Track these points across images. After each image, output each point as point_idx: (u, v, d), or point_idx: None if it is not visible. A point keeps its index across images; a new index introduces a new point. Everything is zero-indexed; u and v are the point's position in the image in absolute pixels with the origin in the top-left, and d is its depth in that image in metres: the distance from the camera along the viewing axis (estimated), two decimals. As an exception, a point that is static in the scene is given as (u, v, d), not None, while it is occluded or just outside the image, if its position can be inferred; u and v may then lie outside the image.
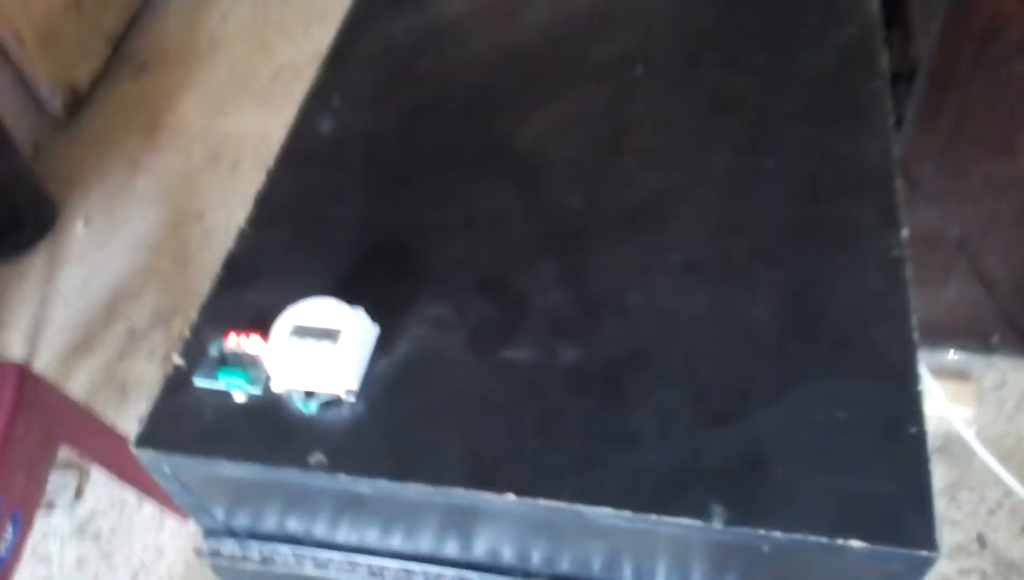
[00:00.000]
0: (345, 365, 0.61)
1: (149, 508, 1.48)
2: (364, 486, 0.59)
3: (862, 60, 0.78)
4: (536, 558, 0.64)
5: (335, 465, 0.59)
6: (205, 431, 0.62)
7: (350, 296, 0.64)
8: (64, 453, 1.27)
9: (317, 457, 0.59)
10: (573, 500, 0.56)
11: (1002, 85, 1.10)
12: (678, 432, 0.58)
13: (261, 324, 0.65)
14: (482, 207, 0.73)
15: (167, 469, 0.63)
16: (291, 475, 0.60)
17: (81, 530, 1.49)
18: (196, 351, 0.66)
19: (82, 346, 1.74)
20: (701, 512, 0.54)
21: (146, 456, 0.62)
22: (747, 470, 0.56)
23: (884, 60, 0.78)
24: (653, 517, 0.55)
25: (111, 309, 1.80)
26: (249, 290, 0.70)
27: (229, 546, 0.69)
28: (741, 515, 0.54)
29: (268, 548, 0.69)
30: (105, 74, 2.26)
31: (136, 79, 2.27)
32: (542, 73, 0.83)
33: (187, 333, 0.68)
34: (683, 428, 0.58)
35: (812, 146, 0.73)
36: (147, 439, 0.62)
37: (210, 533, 0.70)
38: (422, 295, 0.67)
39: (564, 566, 0.63)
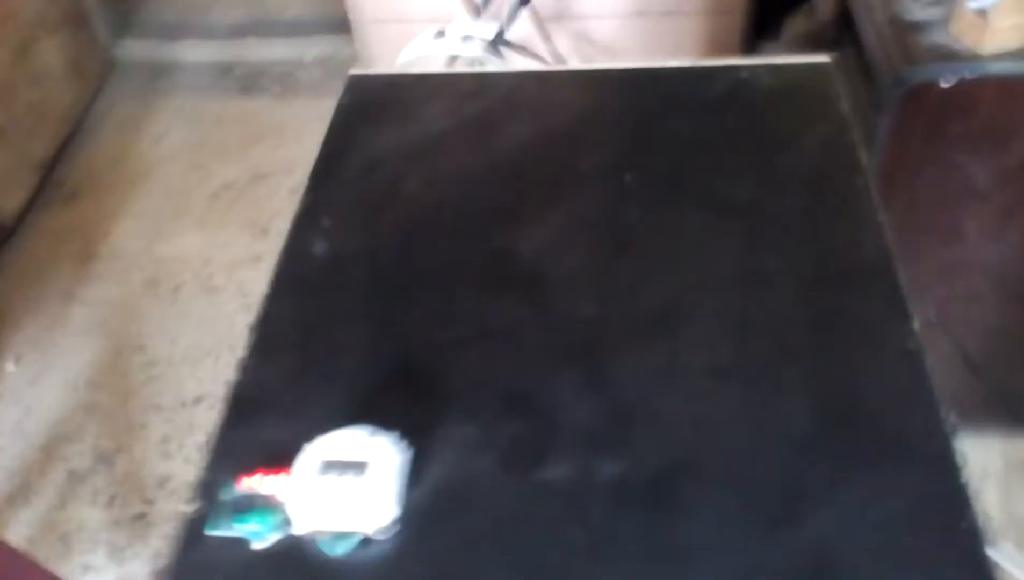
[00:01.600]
0: (375, 501, 0.58)
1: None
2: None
3: (843, 158, 0.81)
4: None
5: (379, 611, 0.55)
6: (227, 583, 0.57)
7: (369, 423, 0.61)
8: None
9: (358, 605, 0.55)
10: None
11: (947, 176, 1.16)
12: (736, 542, 0.56)
13: (276, 461, 0.61)
14: (493, 320, 0.71)
15: (184, 631, 0.57)
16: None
17: None
18: (208, 496, 0.61)
19: (18, 494, 1.62)
20: (775, 625, 0.52)
21: (162, 618, 0.56)
22: (814, 574, 0.54)
23: (864, 157, 0.81)
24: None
25: (48, 452, 1.68)
26: (259, 424, 0.66)
27: None
28: (817, 626, 0.52)
29: None
30: (34, 203, 2.18)
31: (67, 207, 2.20)
32: (532, 185, 0.84)
33: (198, 477, 0.63)
34: (740, 537, 0.56)
35: (810, 243, 0.75)
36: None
37: None
38: (445, 416, 0.65)
39: None
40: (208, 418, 1.71)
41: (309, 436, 0.62)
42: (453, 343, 0.70)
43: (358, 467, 0.59)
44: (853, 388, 0.64)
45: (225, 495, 0.61)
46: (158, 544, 1.52)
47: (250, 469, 0.61)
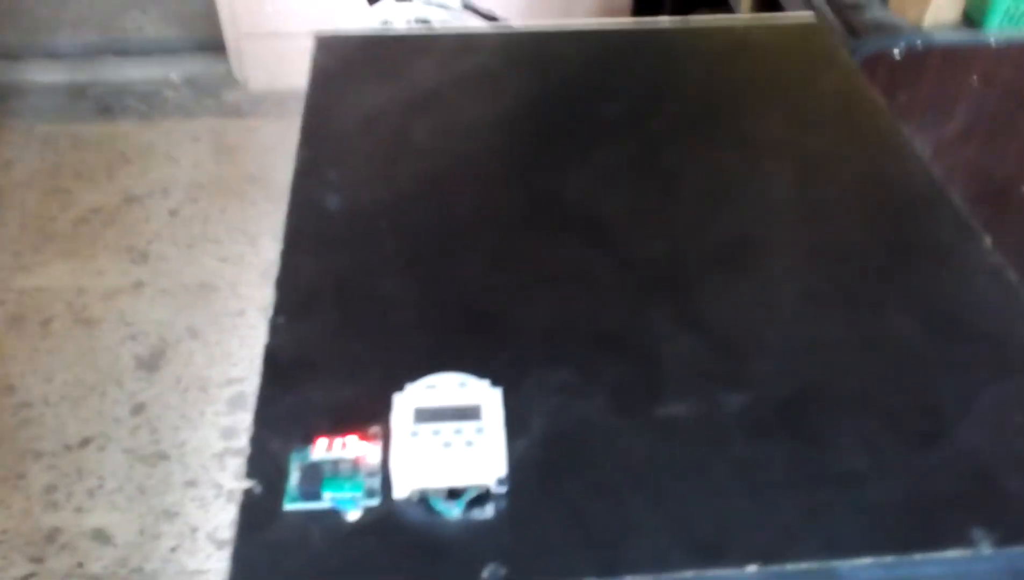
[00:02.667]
0: (492, 449, 0.49)
1: None
2: (566, 594, 0.46)
3: (861, 100, 0.81)
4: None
5: (520, 574, 0.46)
6: (322, 567, 0.46)
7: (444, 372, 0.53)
8: None
9: (494, 570, 0.46)
10: (823, 556, 0.47)
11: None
12: (893, 462, 0.51)
13: (342, 422, 0.52)
14: (555, 263, 0.64)
15: (271, 630, 0.46)
16: (465, 598, 0.45)
17: None
18: (269, 468, 0.50)
19: None
20: (963, 540, 0.47)
21: (244, 616, 0.45)
22: (984, 487, 0.50)
23: (881, 100, 0.81)
24: (918, 556, 0.47)
25: (-98, 513, 1.42)
26: (307, 385, 0.55)
27: None
28: (1006, 534, 0.48)
29: None
30: None
31: (-98, 240, 1.91)
32: (557, 133, 0.77)
33: (248, 450, 0.51)
34: (896, 457, 0.52)
35: (859, 177, 0.73)
36: (241, 587, 0.45)
37: None
38: (531, 362, 0.57)
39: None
40: (100, 461, 1.50)
41: (372, 393, 0.52)
42: (518, 289, 0.62)
43: (468, 413, 0.50)
44: (952, 304, 0.61)
45: (298, 464, 0.50)
46: (53, 608, 1.30)
47: (309, 434, 0.51)
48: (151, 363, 1.66)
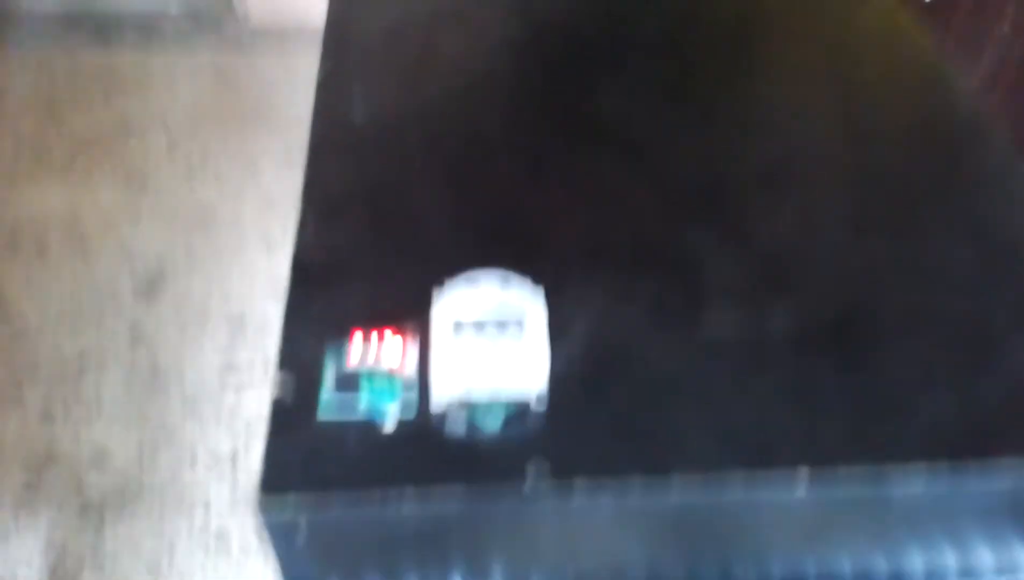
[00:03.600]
0: (535, 359, 0.47)
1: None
2: (609, 494, 0.44)
3: (894, 36, 0.78)
4: (814, 564, 0.52)
5: (564, 471, 0.44)
6: (357, 475, 0.44)
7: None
8: None
9: (538, 466, 0.44)
10: (875, 462, 0.45)
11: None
12: (944, 378, 0.50)
13: (378, 322, 0.50)
14: (590, 180, 0.62)
15: (303, 530, 0.44)
16: (507, 500, 0.44)
17: None
18: (301, 367, 0.48)
19: None
20: (1017, 449, 0.46)
21: (277, 514, 0.43)
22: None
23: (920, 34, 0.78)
24: (971, 465, 0.46)
25: None
26: (338, 289, 0.53)
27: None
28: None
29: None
30: None
31: None
32: (582, 53, 0.74)
33: (277, 355, 0.49)
34: (947, 373, 0.50)
35: (902, 105, 0.71)
36: (273, 486, 0.43)
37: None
38: (567, 275, 0.55)
39: (847, 568, 0.52)
40: (98, 382, 1.48)
41: (409, 293, 0.50)
42: (555, 202, 0.60)
43: (511, 317, 0.48)
44: (1002, 227, 0.60)
45: (333, 370, 0.48)
46: (51, 516, 1.29)
47: (344, 330, 0.49)
48: (149, 291, 1.64)
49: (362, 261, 0.55)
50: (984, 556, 0.52)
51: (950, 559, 0.52)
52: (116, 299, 1.63)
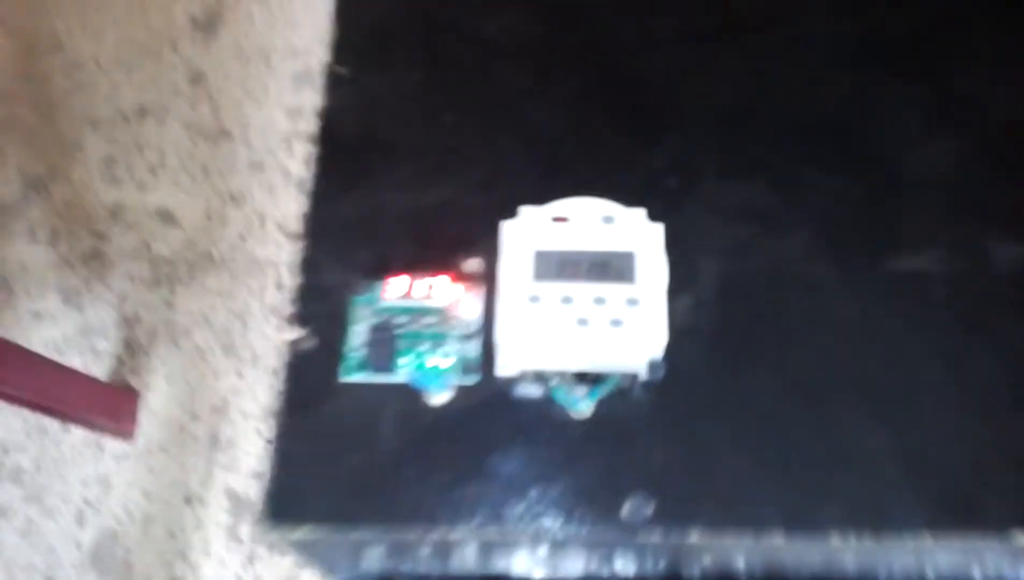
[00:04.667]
0: (649, 326, 0.33)
1: (80, 432, 1.15)
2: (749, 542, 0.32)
3: None
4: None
5: (675, 514, 0.32)
6: (391, 467, 0.33)
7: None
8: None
9: (638, 504, 0.32)
10: None
11: None
12: None
13: (429, 252, 0.35)
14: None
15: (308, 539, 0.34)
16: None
17: (-8, 471, 1.15)
18: (321, 317, 0.35)
19: (-69, 233, 1.31)
20: None
21: (289, 533, 0.33)
22: None
23: None
24: None
25: (-40, 179, 1.35)
26: (377, 183, 0.38)
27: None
28: None
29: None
30: None
31: None
32: None
33: (296, 282, 0.36)
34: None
35: None
36: (276, 511, 0.32)
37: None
38: (702, 171, 0.38)
39: None
40: (160, 135, 1.38)
41: (473, 203, 0.35)
42: (675, 63, 0.42)
43: (615, 271, 0.33)
44: None
45: (364, 315, 0.35)
46: (121, 287, 1.26)
47: (379, 267, 0.35)
48: (208, 25, 1.47)
49: (412, 139, 0.39)
50: None
51: None
52: (173, 35, 1.47)
